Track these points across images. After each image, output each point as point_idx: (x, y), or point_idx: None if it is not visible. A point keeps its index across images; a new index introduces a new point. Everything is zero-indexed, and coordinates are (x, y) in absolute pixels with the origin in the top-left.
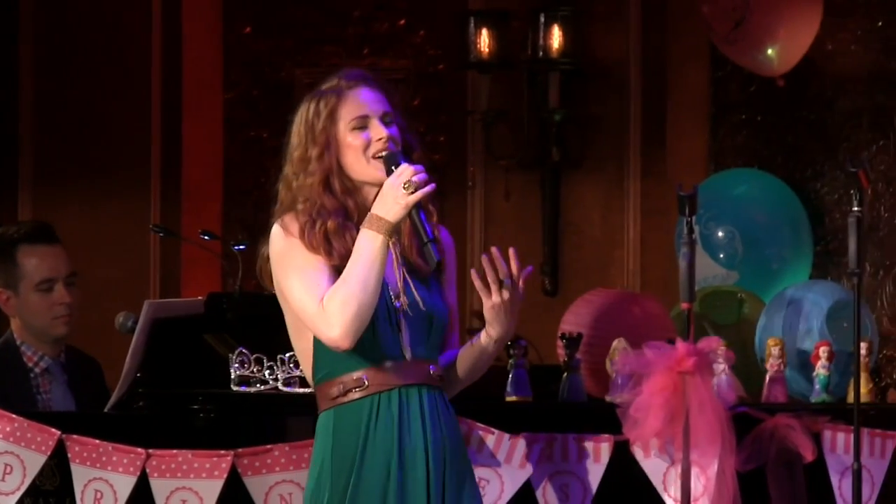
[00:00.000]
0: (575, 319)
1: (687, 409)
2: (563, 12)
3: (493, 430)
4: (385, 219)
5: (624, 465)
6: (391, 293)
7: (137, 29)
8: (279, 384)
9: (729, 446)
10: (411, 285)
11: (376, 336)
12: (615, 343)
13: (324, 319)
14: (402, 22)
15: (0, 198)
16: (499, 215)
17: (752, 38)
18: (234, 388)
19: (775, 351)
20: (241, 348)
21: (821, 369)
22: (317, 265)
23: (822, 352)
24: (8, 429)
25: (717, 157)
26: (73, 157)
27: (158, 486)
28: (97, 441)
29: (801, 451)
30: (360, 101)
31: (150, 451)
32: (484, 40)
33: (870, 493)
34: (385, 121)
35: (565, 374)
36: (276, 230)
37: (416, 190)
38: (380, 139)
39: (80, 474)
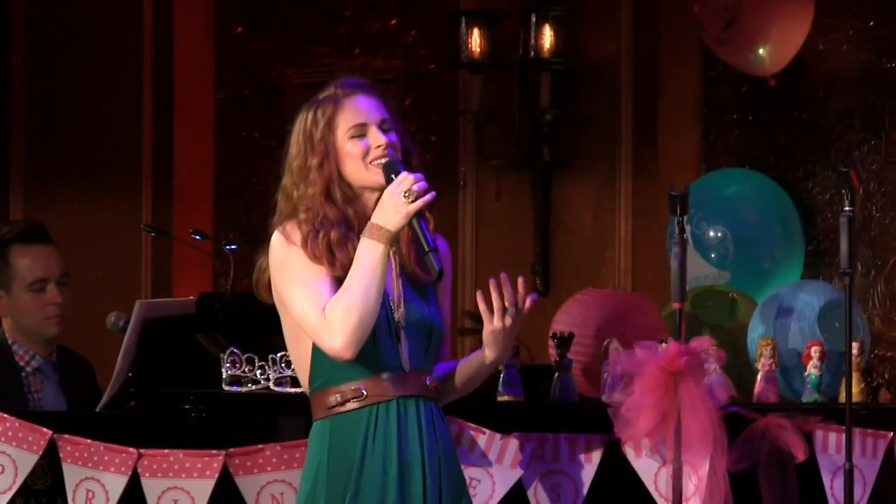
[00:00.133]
0: (566, 319)
1: (678, 409)
2: (554, 12)
3: (484, 429)
4: (385, 228)
5: (615, 465)
6: (391, 304)
7: (129, 29)
8: (271, 384)
9: (720, 446)
10: (410, 296)
11: (376, 347)
12: (606, 343)
13: (326, 330)
14: (394, 22)
15: None
16: (490, 215)
17: (743, 38)
18: (226, 388)
19: (767, 351)
20: (232, 348)
21: (812, 369)
22: (319, 275)
23: (814, 351)
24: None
25: (708, 157)
26: (64, 156)
27: (150, 486)
28: (89, 441)
29: (792, 451)
30: (357, 109)
31: (142, 450)
32: (475, 40)
33: (862, 492)
34: (383, 128)
35: (557, 374)
36: (276, 238)
37: (416, 199)
38: (378, 146)
39: (72, 474)
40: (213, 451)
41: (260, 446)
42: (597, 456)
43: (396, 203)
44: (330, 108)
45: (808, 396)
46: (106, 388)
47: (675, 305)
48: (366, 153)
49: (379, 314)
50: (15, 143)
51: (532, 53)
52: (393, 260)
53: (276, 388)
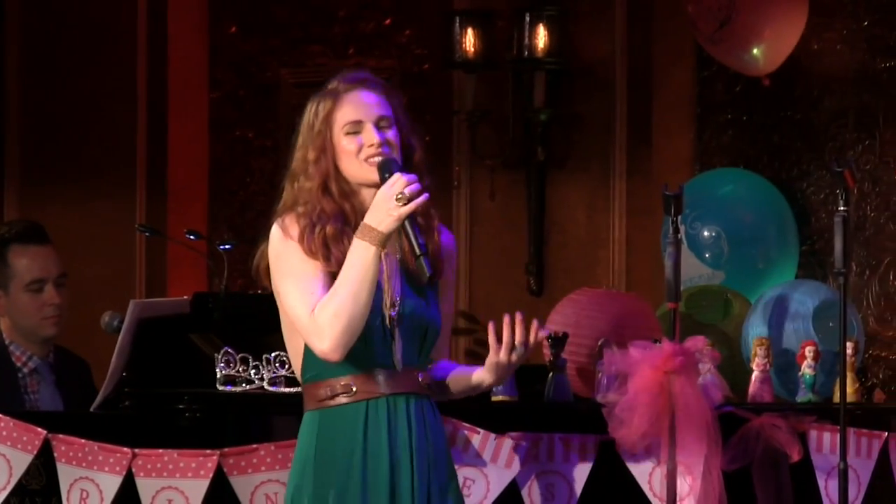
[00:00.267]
0: (560, 319)
1: (673, 409)
2: (548, 12)
3: (478, 429)
4: (377, 230)
5: (610, 465)
6: (387, 302)
7: (123, 29)
8: (265, 384)
9: (715, 446)
10: (408, 294)
11: (368, 345)
12: (601, 342)
13: (315, 331)
14: (388, 21)
15: None
16: (484, 215)
17: (737, 38)
18: (220, 388)
19: (761, 351)
20: (226, 348)
21: (807, 369)
22: (313, 272)
23: (808, 351)
24: None
25: (702, 157)
26: (59, 156)
27: (144, 486)
28: (83, 441)
29: (787, 451)
30: (354, 106)
31: (136, 450)
32: (469, 40)
33: (856, 493)
34: (380, 125)
35: (551, 374)
36: (275, 231)
37: (408, 202)
38: (371, 144)
39: (67, 474)
40: (208, 451)
41: (254, 446)
42: (591, 456)
43: (388, 205)
44: (329, 103)
45: (803, 396)
46: (100, 389)
47: (670, 305)
48: (360, 150)
49: (373, 312)
50: (9, 143)
51: (526, 53)
52: (393, 257)
53: (271, 388)
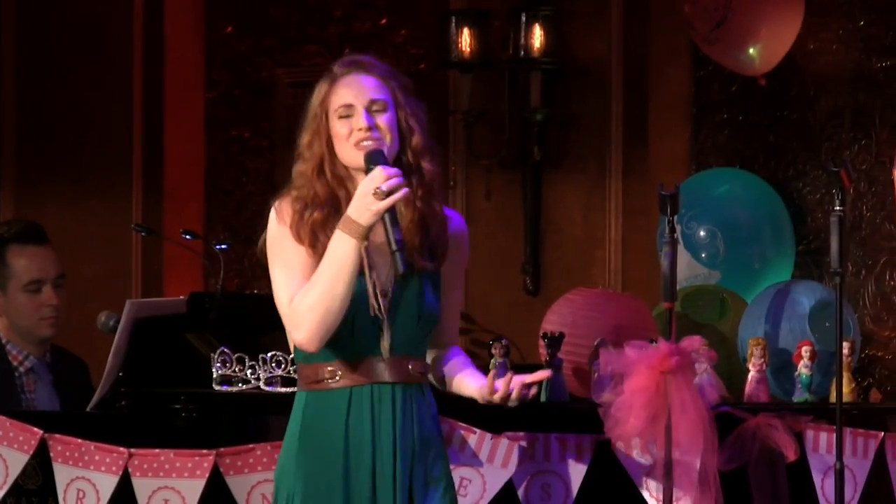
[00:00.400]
0: (557, 319)
1: (669, 409)
2: (544, 12)
3: (475, 429)
4: (357, 222)
5: (606, 465)
6: (379, 290)
7: (119, 29)
8: (261, 384)
9: (711, 446)
10: (403, 283)
11: (356, 333)
12: (597, 342)
13: (292, 320)
14: (384, 21)
15: None
16: (480, 215)
17: (733, 38)
18: (216, 388)
19: (757, 350)
20: (222, 348)
21: (803, 369)
22: (299, 260)
23: (805, 351)
24: None
25: (698, 157)
26: (54, 156)
27: (141, 486)
28: (79, 440)
29: (783, 451)
30: (348, 89)
31: (133, 450)
32: (465, 40)
33: (852, 492)
34: (372, 109)
35: None
36: (272, 214)
37: (386, 196)
38: (360, 129)
39: (63, 473)
40: (204, 451)
41: (250, 446)
42: (587, 456)
43: (367, 200)
44: (326, 86)
45: (799, 396)
46: (97, 388)
47: (666, 305)
48: (350, 134)
49: (363, 300)
50: (5, 143)
51: (522, 53)
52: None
53: (267, 388)
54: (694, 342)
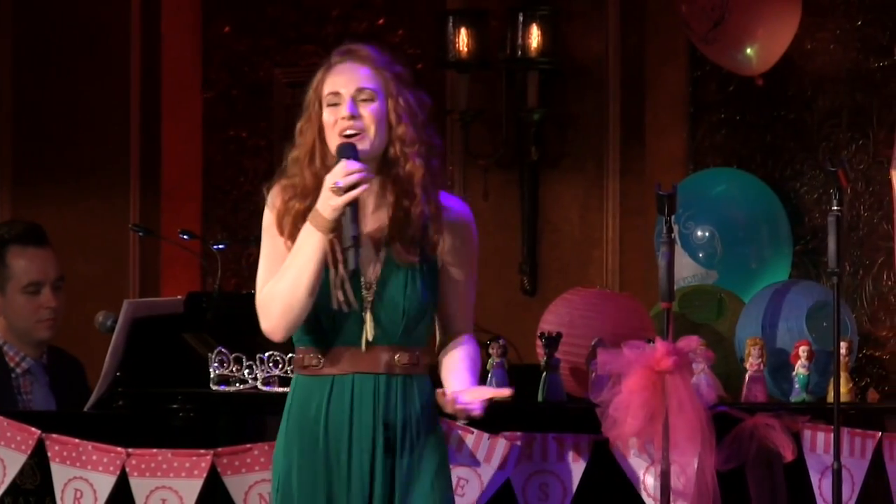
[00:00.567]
0: (554, 319)
1: (666, 409)
2: (541, 12)
3: (472, 429)
4: (322, 216)
5: (603, 465)
6: (363, 282)
7: (117, 28)
8: (258, 383)
9: (709, 446)
10: (388, 275)
11: (337, 323)
12: (594, 342)
13: (259, 309)
14: (381, 21)
15: None
16: (477, 214)
17: (730, 38)
18: (214, 388)
19: (755, 350)
20: (220, 347)
21: (800, 369)
22: (278, 250)
23: (802, 351)
24: None
25: (695, 157)
26: (52, 156)
27: (138, 486)
28: (77, 440)
29: (780, 451)
30: (337, 77)
31: (130, 450)
32: (462, 39)
33: (850, 492)
34: (359, 99)
35: (545, 374)
36: (268, 199)
37: (345, 192)
38: (343, 117)
39: (60, 473)
40: (201, 451)
41: (248, 446)
42: (585, 456)
43: (328, 194)
44: (321, 74)
45: (797, 396)
46: (94, 388)
47: (663, 305)
48: (335, 123)
49: (345, 292)
50: (2, 143)
51: (519, 53)
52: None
53: (264, 388)
54: (691, 342)
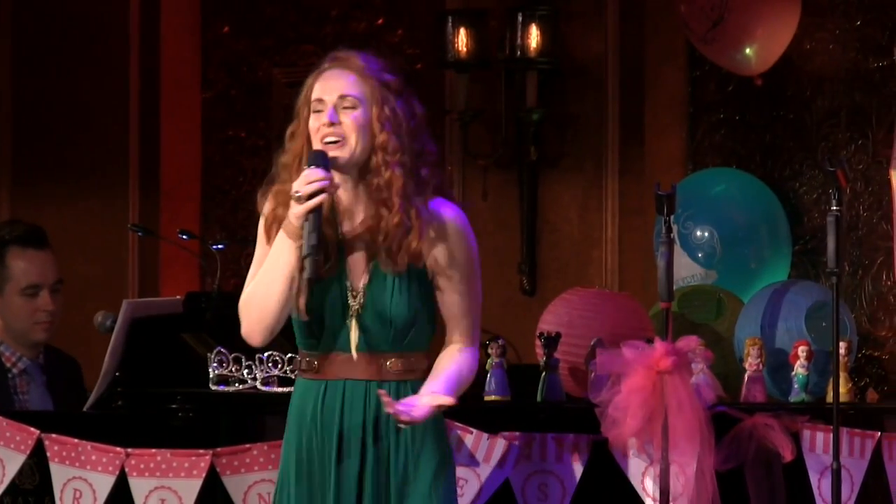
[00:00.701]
0: (553, 319)
1: (665, 409)
2: (540, 12)
3: (471, 429)
4: (292, 223)
5: (603, 465)
6: (350, 291)
7: (116, 28)
8: (258, 383)
9: (708, 446)
10: (376, 284)
11: (329, 329)
12: (593, 342)
13: (239, 313)
14: (380, 21)
15: None
16: (476, 215)
17: (729, 38)
18: (213, 388)
19: (754, 351)
20: (219, 347)
21: (800, 369)
22: (262, 256)
23: (801, 351)
24: None
25: (694, 157)
26: (51, 156)
27: (137, 486)
28: (76, 440)
29: (780, 451)
30: (323, 84)
31: (129, 450)
32: (461, 39)
33: (849, 492)
34: (341, 106)
35: (544, 374)
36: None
37: (307, 200)
38: (323, 124)
39: (60, 473)
40: (201, 451)
41: (247, 446)
42: (584, 456)
43: (292, 202)
44: (310, 80)
45: (796, 396)
46: (93, 388)
47: (662, 305)
48: (318, 129)
49: (335, 298)
50: (2, 143)
51: (518, 53)
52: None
53: (263, 388)
54: (690, 342)
